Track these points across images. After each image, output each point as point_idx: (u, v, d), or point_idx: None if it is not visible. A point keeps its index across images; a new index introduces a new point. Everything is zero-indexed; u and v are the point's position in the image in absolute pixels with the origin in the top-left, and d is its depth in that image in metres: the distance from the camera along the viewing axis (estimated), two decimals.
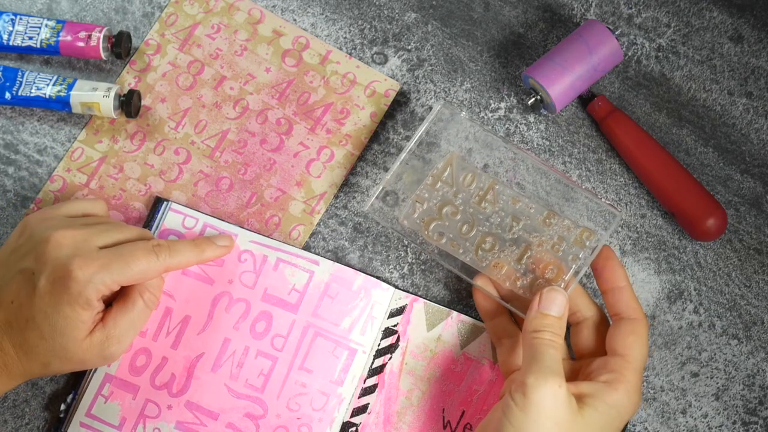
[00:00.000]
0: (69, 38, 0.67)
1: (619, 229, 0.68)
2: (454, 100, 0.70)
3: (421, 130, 0.66)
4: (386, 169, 0.69)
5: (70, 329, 0.57)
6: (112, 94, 0.66)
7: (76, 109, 0.67)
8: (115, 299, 0.61)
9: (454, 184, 0.65)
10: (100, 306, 0.59)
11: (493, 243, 0.64)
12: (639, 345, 0.58)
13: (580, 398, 0.56)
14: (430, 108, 0.70)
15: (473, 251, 0.64)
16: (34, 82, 0.67)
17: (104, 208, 0.65)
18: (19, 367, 0.59)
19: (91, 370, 0.64)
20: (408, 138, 0.69)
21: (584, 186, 0.67)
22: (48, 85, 0.66)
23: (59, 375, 0.64)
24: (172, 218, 0.66)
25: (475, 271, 0.64)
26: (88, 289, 0.57)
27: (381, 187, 0.66)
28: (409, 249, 0.68)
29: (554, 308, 0.58)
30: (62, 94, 0.66)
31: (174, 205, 0.66)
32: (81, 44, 0.67)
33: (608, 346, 0.59)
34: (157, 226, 0.66)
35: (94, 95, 0.66)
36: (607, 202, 0.65)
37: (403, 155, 0.66)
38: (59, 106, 0.67)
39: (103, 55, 0.67)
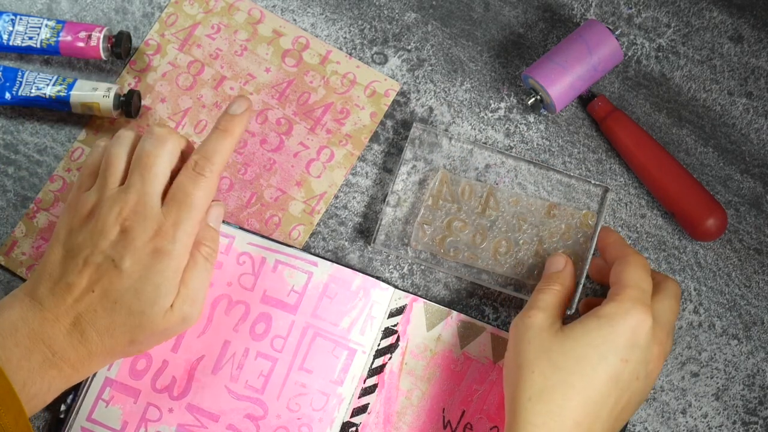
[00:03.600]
0: (69, 38, 0.67)
1: (619, 228, 0.68)
2: (454, 100, 0.70)
3: (403, 158, 0.67)
4: (387, 170, 0.69)
5: (160, 297, 0.56)
6: (112, 94, 0.66)
7: (76, 109, 0.67)
8: None
9: (454, 200, 0.67)
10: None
11: (507, 246, 0.66)
12: (629, 270, 0.60)
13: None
14: (431, 108, 0.70)
15: (492, 258, 0.66)
16: (34, 82, 0.67)
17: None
18: (103, 350, 0.57)
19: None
20: (408, 138, 0.69)
21: (575, 173, 0.68)
22: (48, 85, 0.66)
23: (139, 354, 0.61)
24: None
25: (501, 276, 0.67)
26: (177, 246, 0.57)
27: (382, 221, 0.67)
28: (409, 249, 0.68)
29: (551, 267, 0.64)
30: (62, 94, 0.66)
31: None
32: (81, 44, 0.67)
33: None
34: None
35: (94, 95, 0.66)
36: (595, 182, 0.67)
37: (395, 186, 0.67)
38: (59, 106, 0.67)
39: (103, 55, 0.67)
